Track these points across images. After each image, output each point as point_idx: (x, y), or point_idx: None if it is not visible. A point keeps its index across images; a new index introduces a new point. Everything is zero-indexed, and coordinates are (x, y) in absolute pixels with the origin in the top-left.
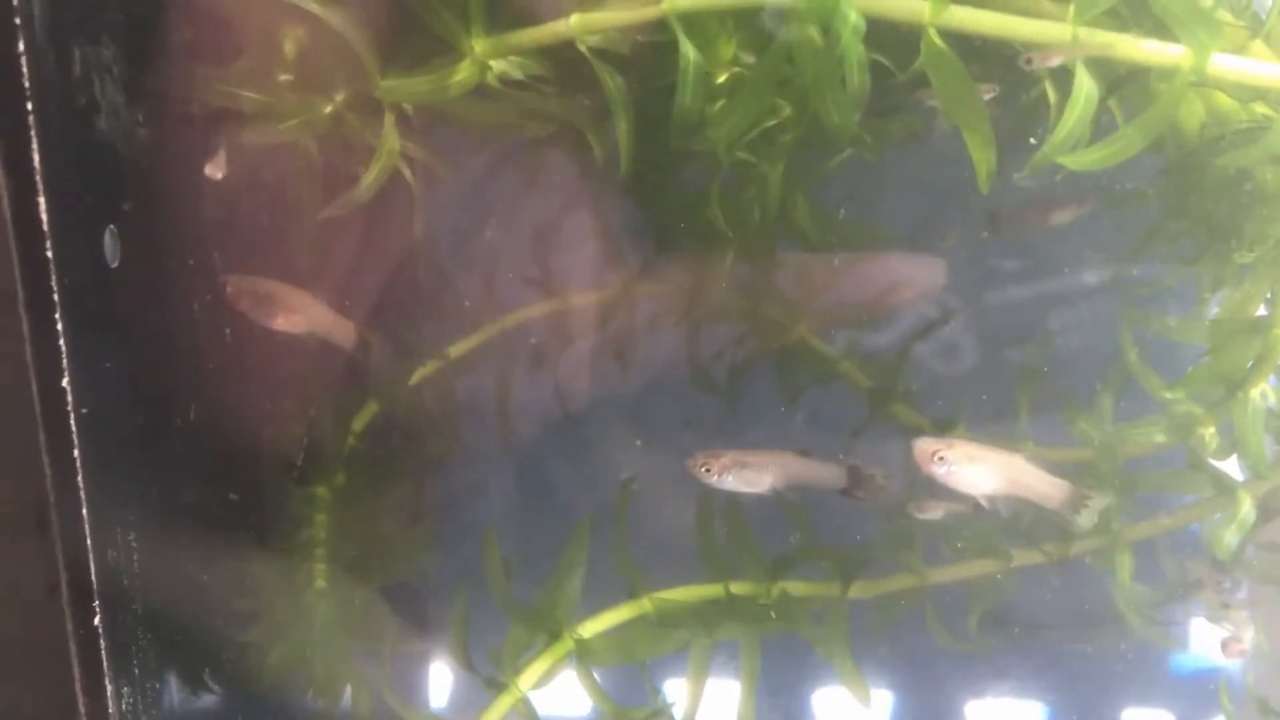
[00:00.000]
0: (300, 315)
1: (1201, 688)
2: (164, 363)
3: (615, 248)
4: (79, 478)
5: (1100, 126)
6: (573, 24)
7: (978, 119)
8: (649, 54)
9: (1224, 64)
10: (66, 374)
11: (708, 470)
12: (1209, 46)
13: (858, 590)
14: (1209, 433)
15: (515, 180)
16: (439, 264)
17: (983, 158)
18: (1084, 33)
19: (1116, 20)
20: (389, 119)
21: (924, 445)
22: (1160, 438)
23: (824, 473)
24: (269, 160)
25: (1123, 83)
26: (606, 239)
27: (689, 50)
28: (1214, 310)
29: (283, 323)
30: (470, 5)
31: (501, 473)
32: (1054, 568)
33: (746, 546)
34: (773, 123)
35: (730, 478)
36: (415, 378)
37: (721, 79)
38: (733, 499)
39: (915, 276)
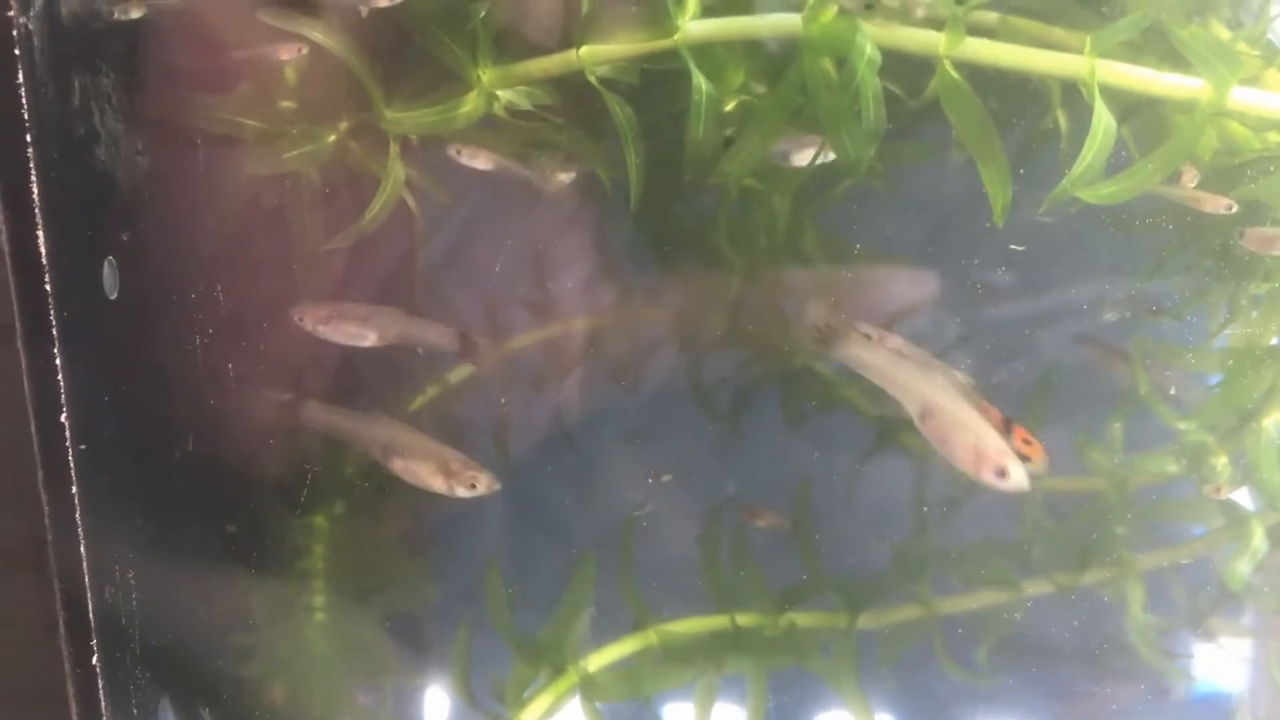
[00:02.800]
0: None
1: (1212, 713)
2: (162, 395)
3: (616, 270)
4: (77, 515)
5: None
6: (582, 54)
7: (993, 153)
8: (655, 80)
9: (1243, 97)
10: (65, 410)
11: (302, 320)
12: (1229, 81)
13: (866, 621)
14: (1221, 463)
15: (517, 203)
16: (438, 286)
17: (998, 192)
18: (1101, 65)
19: (1131, 49)
20: (394, 149)
21: None
22: (1172, 468)
23: (432, 333)
24: (268, 188)
25: (1137, 110)
26: (608, 261)
27: (701, 83)
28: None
29: (377, 339)
30: (478, 35)
31: (500, 496)
32: (1066, 598)
33: (752, 577)
34: None
35: (328, 329)
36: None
37: (730, 106)
38: (740, 528)
39: (908, 288)
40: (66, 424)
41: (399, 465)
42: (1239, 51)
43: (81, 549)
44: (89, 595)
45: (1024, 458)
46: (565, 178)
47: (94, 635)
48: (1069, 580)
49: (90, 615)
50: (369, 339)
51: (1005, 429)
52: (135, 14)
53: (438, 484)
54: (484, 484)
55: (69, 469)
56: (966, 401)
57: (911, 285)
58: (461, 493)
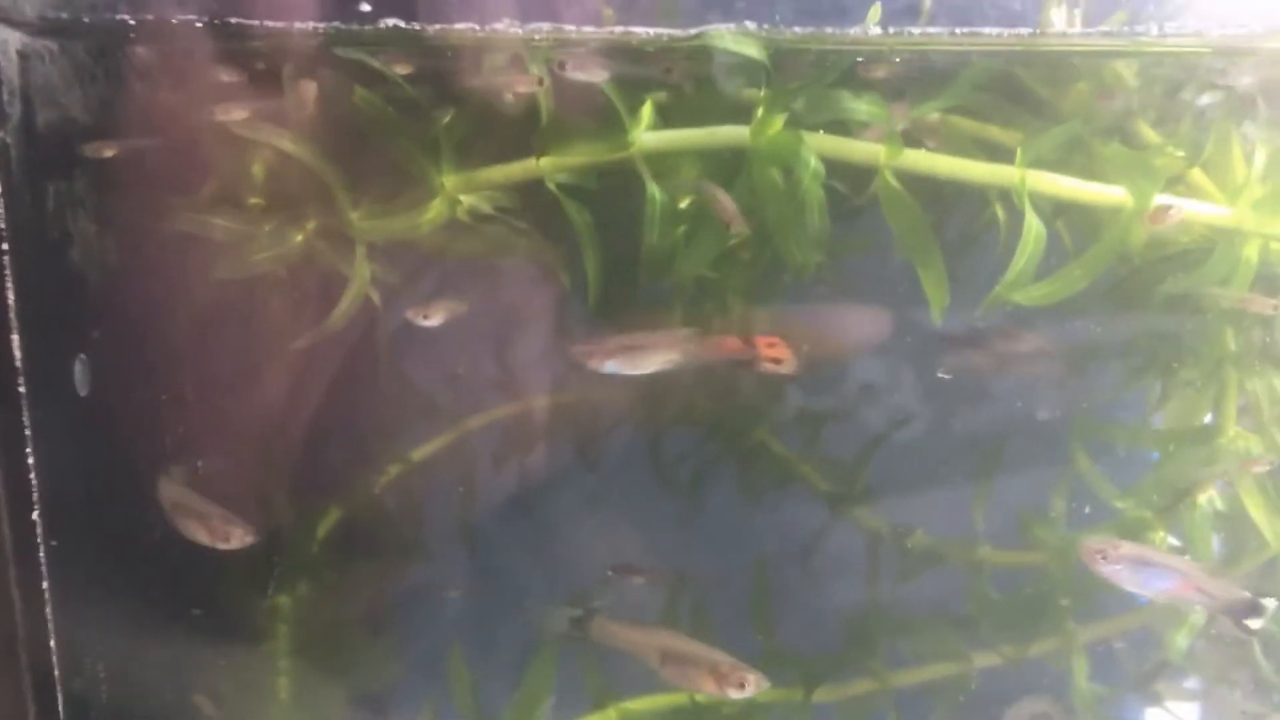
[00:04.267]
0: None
1: None
2: (133, 488)
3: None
4: (47, 610)
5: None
6: (542, 164)
7: (931, 258)
8: (614, 178)
9: (1164, 204)
10: (37, 508)
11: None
12: (1149, 194)
13: (821, 695)
14: (1159, 537)
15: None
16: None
17: (936, 294)
18: (1031, 175)
19: (1062, 154)
20: (360, 250)
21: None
22: None
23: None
24: (237, 285)
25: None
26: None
27: (655, 192)
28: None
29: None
30: (441, 144)
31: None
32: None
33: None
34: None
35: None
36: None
37: (684, 204)
38: (697, 604)
39: (857, 326)
40: (38, 521)
41: (672, 671)
42: (1160, 163)
43: (52, 643)
44: (59, 688)
45: (776, 360)
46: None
47: None
48: (1016, 651)
49: (60, 707)
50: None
51: (750, 345)
52: (107, 154)
53: (709, 687)
54: (753, 684)
55: (40, 565)
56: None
57: (864, 324)
58: (733, 694)
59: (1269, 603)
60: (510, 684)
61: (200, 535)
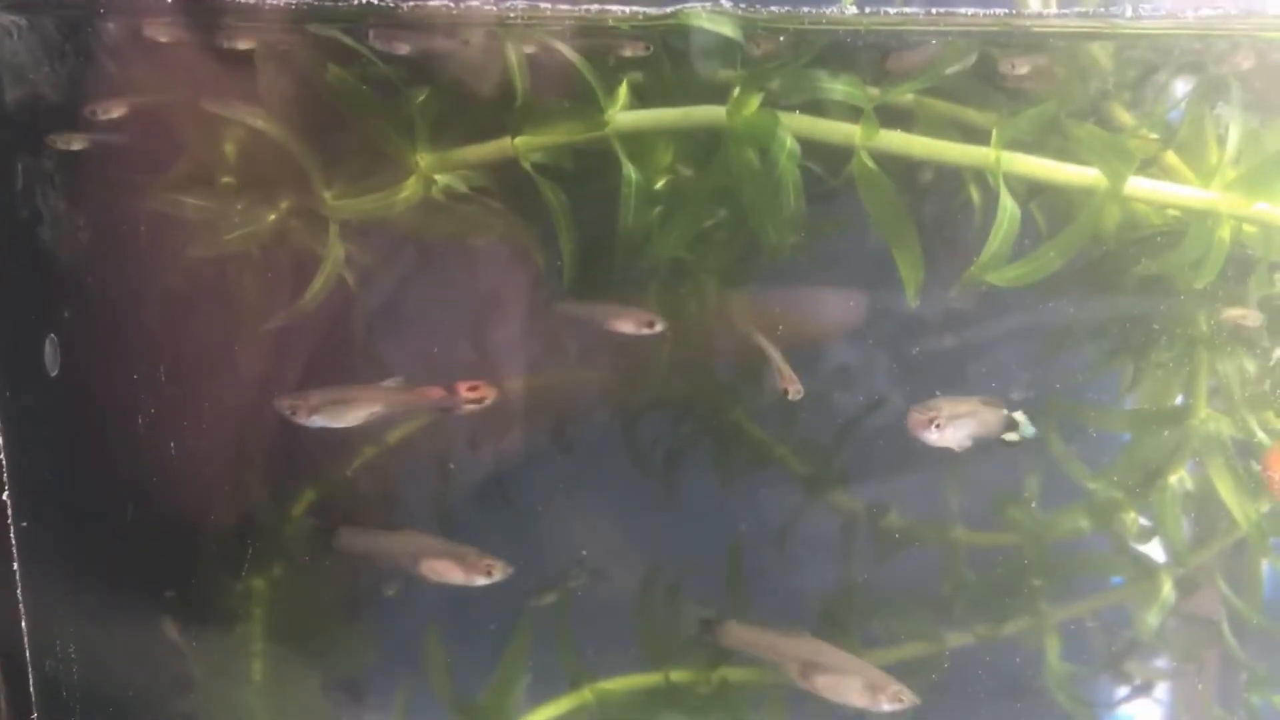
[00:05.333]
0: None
1: None
2: (104, 469)
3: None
4: (18, 591)
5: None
6: (517, 144)
7: (907, 238)
8: (589, 157)
9: (1139, 185)
10: (6, 488)
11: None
12: (1124, 174)
13: None
14: (1130, 518)
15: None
16: (375, 348)
17: (910, 276)
18: (1006, 157)
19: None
20: (334, 230)
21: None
22: (1084, 523)
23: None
24: (210, 265)
25: (1042, 189)
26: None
27: (631, 173)
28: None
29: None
30: (415, 123)
31: None
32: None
33: (686, 633)
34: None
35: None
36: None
37: (660, 184)
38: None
39: (832, 310)
40: (9, 502)
41: (816, 683)
42: (1133, 145)
43: (23, 624)
44: (30, 670)
45: (479, 401)
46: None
47: (35, 710)
48: (989, 632)
49: (31, 690)
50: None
51: (453, 392)
52: (76, 146)
53: (859, 701)
54: (908, 699)
55: (10, 546)
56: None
57: (837, 307)
58: (887, 708)
59: (1019, 416)
60: (487, 666)
61: (454, 575)
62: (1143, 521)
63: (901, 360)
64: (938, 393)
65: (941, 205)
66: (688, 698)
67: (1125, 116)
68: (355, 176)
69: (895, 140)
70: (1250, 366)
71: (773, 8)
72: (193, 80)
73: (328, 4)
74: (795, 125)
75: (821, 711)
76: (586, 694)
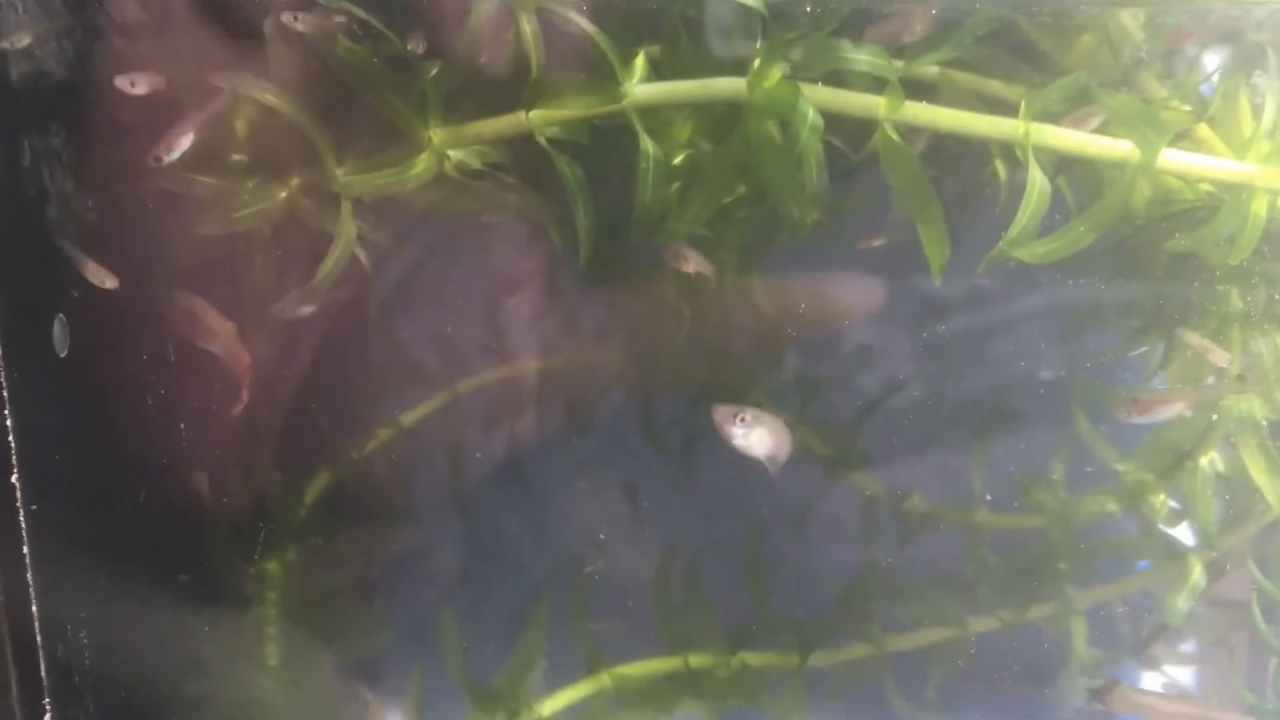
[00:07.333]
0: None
1: None
2: (113, 449)
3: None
4: (29, 575)
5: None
6: (532, 118)
7: (931, 213)
8: (607, 130)
9: (1171, 157)
10: (15, 470)
11: None
12: (1157, 145)
13: (816, 659)
14: (1159, 500)
15: (467, 249)
16: (390, 330)
17: (935, 251)
18: (1035, 129)
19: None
20: (346, 207)
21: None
22: (1112, 506)
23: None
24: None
25: (1071, 163)
26: (560, 296)
27: (649, 147)
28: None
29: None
30: (428, 98)
31: (453, 532)
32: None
33: (705, 617)
34: (729, 200)
35: None
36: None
37: (678, 160)
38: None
39: (852, 296)
40: (17, 485)
41: None
42: (1167, 114)
43: (34, 609)
44: (41, 655)
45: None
46: None
47: (46, 694)
48: (1014, 616)
49: (43, 674)
50: None
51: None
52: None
53: None
54: None
55: (20, 529)
56: None
57: (859, 294)
58: None
59: None
60: (502, 650)
61: None
62: (1172, 504)
63: (925, 340)
64: None
65: (968, 181)
66: (706, 683)
67: (1157, 89)
68: (367, 152)
69: (920, 112)
70: None
71: None
72: (201, 55)
73: None
74: (817, 97)
75: (840, 690)
76: (605, 679)
